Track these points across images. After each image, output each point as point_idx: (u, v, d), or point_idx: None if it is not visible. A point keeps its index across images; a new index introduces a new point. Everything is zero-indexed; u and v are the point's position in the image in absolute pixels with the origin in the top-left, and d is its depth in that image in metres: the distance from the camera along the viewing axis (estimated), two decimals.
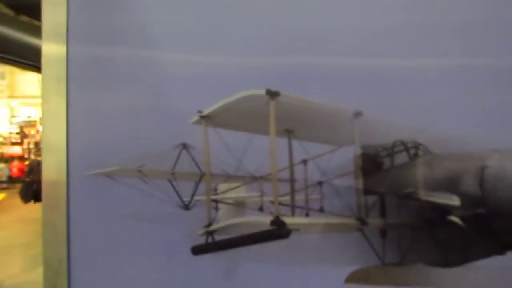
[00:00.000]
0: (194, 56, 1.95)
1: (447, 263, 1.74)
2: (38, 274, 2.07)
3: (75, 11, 2.01)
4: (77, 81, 2.01)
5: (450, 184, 1.74)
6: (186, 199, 1.88)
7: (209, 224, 1.84)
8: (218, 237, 1.85)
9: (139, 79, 1.97)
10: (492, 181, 1.69)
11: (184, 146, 1.86)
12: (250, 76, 1.89)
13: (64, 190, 1.94)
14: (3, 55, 11.67)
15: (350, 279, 1.86)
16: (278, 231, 1.72)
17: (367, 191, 1.79)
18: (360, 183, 1.78)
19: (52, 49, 2.02)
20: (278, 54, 1.91)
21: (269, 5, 1.95)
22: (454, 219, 1.70)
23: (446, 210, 1.73)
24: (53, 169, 1.96)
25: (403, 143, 1.79)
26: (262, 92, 1.76)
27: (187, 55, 1.96)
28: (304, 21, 1.94)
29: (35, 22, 12.64)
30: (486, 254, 1.72)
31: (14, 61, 12.07)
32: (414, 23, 1.90)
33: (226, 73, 1.92)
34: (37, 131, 26.44)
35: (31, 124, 24.77)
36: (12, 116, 25.86)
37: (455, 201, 1.72)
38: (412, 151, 1.79)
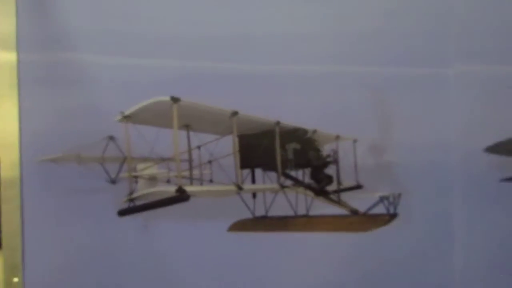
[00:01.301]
0: (124, 59, 2.64)
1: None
2: None
3: (23, 21, 2.59)
4: (27, 85, 2.61)
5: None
6: (113, 176, 2.62)
7: (131, 193, 2.59)
8: (137, 203, 2.61)
9: (76, 82, 2.64)
10: None
11: (111, 137, 2.60)
12: (168, 78, 2.62)
13: (18, 173, 2.60)
14: None
15: (231, 228, 2.69)
16: (181, 196, 2.50)
17: (242, 166, 2.62)
18: (237, 161, 2.61)
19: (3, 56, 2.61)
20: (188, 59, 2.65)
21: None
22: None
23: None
24: (9, 158, 2.61)
25: (267, 133, 2.64)
26: (168, 98, 2.53)
27: (117, 58, 2.64)
28: (221, 29, 2.64)
29: None
30: None
31: None
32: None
33: (151, 76, 2.64)
34: None
35: None
36: None
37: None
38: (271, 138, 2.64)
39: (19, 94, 2.61)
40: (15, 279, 2.58)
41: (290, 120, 2.62)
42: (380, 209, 2.69)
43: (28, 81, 2.63)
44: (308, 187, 2.70)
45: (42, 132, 2.61)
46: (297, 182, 2.72)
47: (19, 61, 2.61)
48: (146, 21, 2.70)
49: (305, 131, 2.68)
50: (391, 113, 2.64)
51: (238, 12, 2.72)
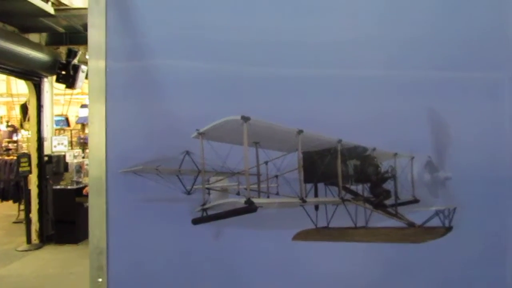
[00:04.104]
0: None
1: None
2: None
3: (112, 33, 3.00)
4: (114, 92, 2.99)
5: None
6: (188, 187, 3.00)
7: (204, 204, 2.97)
8: (210, 213, 2.98)
9: (160, 88, 3.00)
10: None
11: (187, 152, 2.98)
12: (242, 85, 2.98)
13: (104, 182, 3.02)
14: None
15: (296, 237, 3.03)
16: (249, 207, 2.86)
17: (306, 181, 2.96)
18: (301, 176, 2.95)
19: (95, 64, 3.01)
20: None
21: None
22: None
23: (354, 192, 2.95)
24: (96, 167, 3.03)
25: (329, 150, 2.97)
26: (239, 117, 2.89)
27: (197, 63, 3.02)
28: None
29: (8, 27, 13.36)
30: None
31: None
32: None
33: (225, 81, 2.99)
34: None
35: None
36: None
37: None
38: (334, 155, 2.97)
39: (106, 102, 2.99)
40: (100, 280, 2.98)
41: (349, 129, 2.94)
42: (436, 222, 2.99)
43: (115, 88, 3.00)
44: (367, 200, 3.01)
45: (126, 140, 2.99)
46: (356, 196, 3.04)
47: (107, 69, 2.98)
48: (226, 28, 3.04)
49: (365, 149, 2.99)
50: (446, 125, 2.91)
51: (293, 19, 3.04)
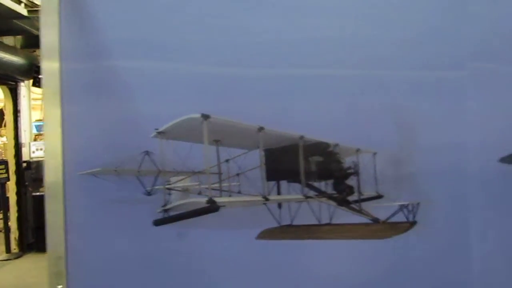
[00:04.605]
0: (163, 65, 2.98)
1: None
2: None
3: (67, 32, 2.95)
4: (70, 94, 2.95)
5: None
6: (149, 188, 2.96)
7: (165, 205, 2.93)
8: (171, 213, 2.95)
9: (117, 90, 2.96)
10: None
11: (147, 152, 2.94)
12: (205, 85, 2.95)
13: (61, 185, 2.96)
14: None
15: (260, 236, 3.00)
16: (211, 207, 2.84)
17: (268, 179, 2.94)
18: (263, 174, 2.93)
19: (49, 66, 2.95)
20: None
21: None
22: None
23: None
24: (53, 171, 2.98)
25: (291, 147, 2.95)
26: (198, 115, 2.86)
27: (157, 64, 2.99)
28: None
29: None
30: None
31: None
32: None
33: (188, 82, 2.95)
34: None
35: None
36: None
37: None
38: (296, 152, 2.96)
39: (62, 105, 2.94)
40: (59, 286, 2.93)
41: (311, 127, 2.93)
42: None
43: (71, 90, 2.95)
44: (330, 197, 3.01)
45: (84, 143, 2.95)
46: (320, 193, 3.03)
47: (62, 70, 2.93)
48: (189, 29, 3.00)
49: (327, 145, 2.99)
50: (409, 120, 2.92)
51: (271, 18, 3.03)
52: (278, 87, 2.93)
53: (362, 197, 3.02)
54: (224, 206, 2.88)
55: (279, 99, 2.94)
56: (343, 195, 2.98)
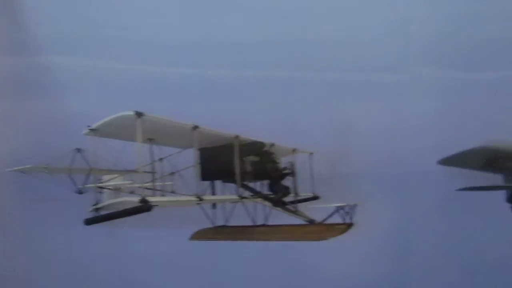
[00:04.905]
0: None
1: None
2: None
3: None
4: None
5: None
6: (80, 186, 2.89)
7: (96, 203, 2.87)
8: (103, 212, 2.88)
9: (47, 85, 2.90)
10: None
11: (78, 150, 2.87)
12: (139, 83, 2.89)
13: None
14: None
15: (193, 237, 2.96)
16: (143, 206, 2.77)
17: (203, 178, 2.90)
18: (198, 173, 2.88)
19: None
20: None
21: None
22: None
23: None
24: None
25: (226, 146, 2.91)
26: (132, 112, 2.80)
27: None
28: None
29: None
30: None
31: None
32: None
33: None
34: None
35: None
36: None
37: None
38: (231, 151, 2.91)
39: None
40: None
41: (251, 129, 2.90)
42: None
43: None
44: (266, 197, 2.97)
45: (13, 140, 2.88)
46: (255, 193, 2.99)
47: None
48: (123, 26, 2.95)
49: (263, 144, 2.95)
50: (347, 121, 2.90)
51: (200, 18, 2.98)
52: (209, 87, 2.90)
53: (298, 198, 2.99)
54: (157, 205, 2.82)
55: (210, 99, 2.91)
56: (279, 196, 2.95)
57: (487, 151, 3.04)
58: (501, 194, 3.17)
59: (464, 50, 3.06)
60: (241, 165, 2.96)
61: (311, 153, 3.01)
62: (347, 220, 3.03)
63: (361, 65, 3.00)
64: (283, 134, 2.92)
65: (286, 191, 2.96)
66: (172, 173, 2.96)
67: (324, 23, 2.98)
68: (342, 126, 2.97)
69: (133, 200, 2.83)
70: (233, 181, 2.98)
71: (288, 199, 2.99)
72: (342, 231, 3.04)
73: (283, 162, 2.95)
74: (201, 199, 2.94)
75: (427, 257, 3.02)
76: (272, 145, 2.94)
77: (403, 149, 2.98)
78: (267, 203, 2.98)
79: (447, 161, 3.03)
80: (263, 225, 2.99)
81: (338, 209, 3.05)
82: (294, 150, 2.99)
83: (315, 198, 3.15)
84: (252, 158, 2.97)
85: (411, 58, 3.01)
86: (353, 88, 3.00)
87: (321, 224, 3.00)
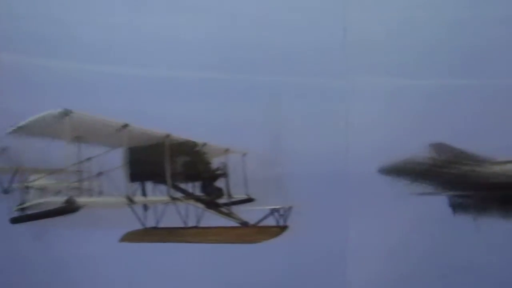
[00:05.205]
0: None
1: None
2: None
3: None
4: None
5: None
6: (6, 185, 2.83)
7: (22, 203, 2.80)
8: (30, 212, 2.81)
9: None
10: None
11: (4, 148, 2.81)
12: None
13: None
14: None
15: (123, 238, 2.90)
16: (70, 207, 2.71)
17: (132, 179, 2.83)
18: (127, 173, 2.81)
19: None
20: None
21: None
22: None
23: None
24: None
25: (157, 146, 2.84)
26: (59, 110, 2.73)
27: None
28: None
29: None
30: None
31: None
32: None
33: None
34: None
35: None
36: None
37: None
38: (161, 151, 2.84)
39: None
40: None
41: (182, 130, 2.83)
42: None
43: None
44: (198, 199, 2.90)
45: None
46: (187, 195, 2.92)
47: None
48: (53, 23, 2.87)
49: (194, 144, 2.88)
50: (282, 124, 2.84)
51: (146, 16, 2.92)
52: (143, 86, 2.84)
53: (232, 199, 2.93)
54: (84, 206, 2.75)
55: (144, 98, 2.84)
56: (211, 198, 2.89)
57: (424, 160, 3.02)
58: (444, 198, 3.14)
59: (404, 56, 3.02)
60: (172, 165, 2.89)
61: (245, 154, 2.95)
62: (282, 223, 2.97)
63: (298, 69, 2.95)
64: (217, 134, 2.86)
65: (219, 192, 2.90)
66: (100, 173, 2.89)
67: (261, 26, 2.93)
68: (278, 128, 2.91)
69: (59, 200, 2.77)
70: (164, 182, 2.92)
71: (221, 200, 2.93)
72: (276, 234, 2.98)
73: (216, 162, 2.89)
74: (131, 201, 2.88)
75: (365, 261, 2.97)
76: (204, 144, 2.87)
77: (342, 153, 2.93)
78: (199, 205, 2.92)
79: (387, 170, 3.00)
80: (194, 227, 2.93)
81: (273, 211, 2.99)
82: (227, 150, 2.92)
83: (249, 200, 3.08)
84: (183, 158, 2.91)
85: (349, 63, 2.96)
86: (290, 91, 2.95)
87: (254, 226, 2.94)
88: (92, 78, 2.87)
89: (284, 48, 2.92)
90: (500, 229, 3.08)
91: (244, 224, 2.92)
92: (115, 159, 2.88)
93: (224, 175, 2.88)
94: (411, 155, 2.99)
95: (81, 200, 2.79)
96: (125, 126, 2.81)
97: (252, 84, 2.91)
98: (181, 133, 2.81)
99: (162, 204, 2.89)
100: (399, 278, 2.97)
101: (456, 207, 3.11)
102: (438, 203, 3.09)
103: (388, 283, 2.98)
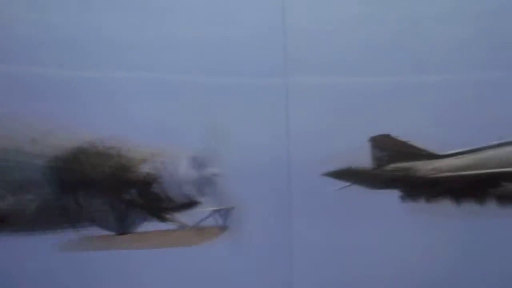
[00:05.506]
0: None
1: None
2: None
3: None
4: None
5: None
6: None
7: None
8: None
9: None
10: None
11: None
12: None
13: None
14: None
15: (61, 248, 2.83)
16: None
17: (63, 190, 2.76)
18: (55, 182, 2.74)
19: None
20: None
21: None
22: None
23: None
24: None
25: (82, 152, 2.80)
26: None
27: None
28: None
29: None
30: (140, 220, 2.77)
31: None
32: None
33: None
34: None
35: None
36: None
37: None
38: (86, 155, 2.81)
39: None
40: None
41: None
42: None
43: None
44: (137, 206, 2.85)
45: None
46: (123, 199, 2.87)
47: None
48: None
49: (120, 148, 2.82)
50: (219, 123, 2.80)
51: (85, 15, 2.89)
52: (75, 88, 2.81)
53: (172, 203, 2.89)
54: None
55: (79, 100, 2.81)
56: (147, 201, 2.84)
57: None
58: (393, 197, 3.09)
59: (343, 55, 3.01)
60: (98, 171, 2.83)
61: (178, 156, 2.91)
62: (222, 224, 2.93)
63: (235, 68, 2.93)
64: (150, 136, 2.82)
65: (155, 196, 2.85)
66: None
67: (195, 23, 2.91)
68: (215, 128, 2.87)
69: None
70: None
71: (159, 204, 2.87)
72: (216, 235, 2.93)
73: (146, 167, 2.83)
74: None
75: (310, 262, 2.91)
76: (128, 149, 2.81)
77: (283, 153, 2.89)
78: (137, 210, 2.87)
79: (332, 175, 2.97)
80: (131, 233, 2.88)
81: (213, 213, 2.95)
82: (155, 154, 2.85)
83: (193, 203, 3.01)
84: (110, 163, 2.85)
85: (288, 63, 2.95)
86: (227, 90, 2.92)
87: (193, 228, 2.89)
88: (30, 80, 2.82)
89: (220, 45, 2.90)
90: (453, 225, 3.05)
91: (183, 226, 2.87)
92: None
93: (156, 179, 2.82)
94: (353, 154, 2.97)
95: None
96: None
97: (186, 83, 2.88)
98: (116, 132, 2.78)
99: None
100: (347, 279, 2.93)
101: (405, 197, 3.07)
102: (387, 200, 3.05)
103: (335, 285, 2.93)
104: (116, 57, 2.90)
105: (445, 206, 3.04)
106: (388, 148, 3.04)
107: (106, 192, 2.77)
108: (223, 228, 2.85)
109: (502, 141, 3.18)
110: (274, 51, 2.97)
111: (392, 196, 3.02)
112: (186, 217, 2.88)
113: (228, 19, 2.93)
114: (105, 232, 2.82)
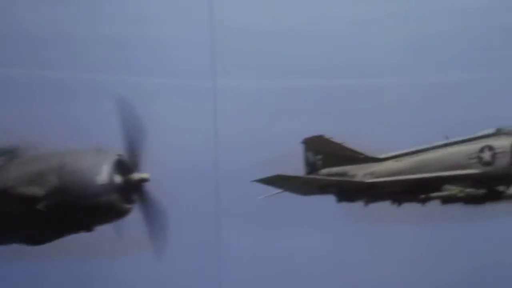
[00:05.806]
0: None
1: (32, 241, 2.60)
2: None
3: None
4: None
5: (39, 179, 2.58)
6: None
7: None
8: None
9: None
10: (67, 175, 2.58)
11: None
12: None
13: None
14: None
15: None
16: None
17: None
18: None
19: None
20: None
21: None
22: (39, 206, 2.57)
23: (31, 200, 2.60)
24: None
25: None
26: None
27: None
28: None
29: None
30: (64, 232, 2.59)
31: None
32: None
33: None
34: None
35: None
36: None
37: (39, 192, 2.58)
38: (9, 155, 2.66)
39: None
40: None
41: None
42: None
43: None
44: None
45: None
46: None
47: None
48: None
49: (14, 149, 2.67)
50: (140, 125, 2.71)
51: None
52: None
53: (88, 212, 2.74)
54: None
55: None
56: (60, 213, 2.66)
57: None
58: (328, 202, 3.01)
59: (270, 57, 2.99)
60: None
61: (104, 160, 2.79)
62: (148, 231, 2.78)
63: (163, 69, 2.89)
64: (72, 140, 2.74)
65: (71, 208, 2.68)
66: None
67: (121, 23, 2.88)
68: (141, 132, 2.78)
69: None
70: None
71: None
72: (142, 243, 2.78)
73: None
74: None
75: (239, 266, 2.79)
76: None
77: (211, 156, 2.81)
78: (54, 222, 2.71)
79: (262, 181, 2.89)
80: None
81: (140, 220, 2.81)
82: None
83: (118, 211, 2.83)
84: None
85: (217, 65, 2.91)
86: (154, 91, 2.86)
87: (119, 238, 2.74)
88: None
89: (147, 46, 2.86)
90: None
91: (107, 236, 2.72)
92: None
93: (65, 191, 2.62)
94: (285, 159, 2.90)
95: None
96: None
97: (111, 84, 2.82)
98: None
99: None
100: (275, 282, 2.83)
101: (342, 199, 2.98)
102: (322, 205, 2.97)
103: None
104: (46, 56, 2.85)
105: (384, 210, 2.95)
106: (322, 151, 2.94)
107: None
108: (150, 236, 2.70)
109: (446, 141, 3.10)
110: (201, 53, 2.94)
111: (326, 201, 2.94)
112: (111, 226, 2.74)
113: (155, 20, 2.90)
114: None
